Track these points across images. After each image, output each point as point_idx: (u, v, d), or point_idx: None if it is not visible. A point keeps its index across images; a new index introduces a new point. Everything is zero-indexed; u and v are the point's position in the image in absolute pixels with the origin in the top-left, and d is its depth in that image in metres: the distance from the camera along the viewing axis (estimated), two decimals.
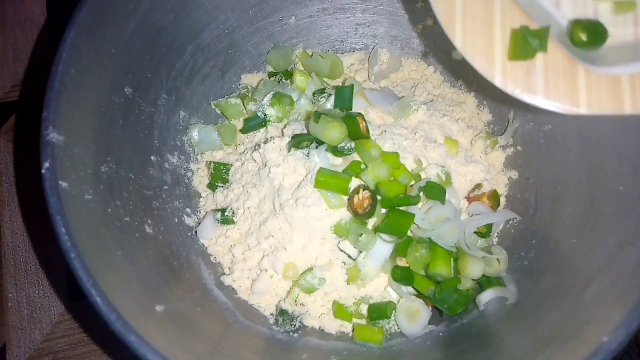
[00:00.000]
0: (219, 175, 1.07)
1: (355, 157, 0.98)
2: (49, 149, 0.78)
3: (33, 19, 1.43)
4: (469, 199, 1.05)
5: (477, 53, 0.74)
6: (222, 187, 1.08)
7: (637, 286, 0.73)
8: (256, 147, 1.05)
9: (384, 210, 0.94)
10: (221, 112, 1.17)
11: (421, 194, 0.97)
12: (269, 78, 1.21)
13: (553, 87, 0.73)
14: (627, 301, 0.72)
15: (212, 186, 1.09)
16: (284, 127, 1.07)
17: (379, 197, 0.93)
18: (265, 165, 1.01)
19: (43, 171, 0.77)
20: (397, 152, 0.98)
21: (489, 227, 1.02)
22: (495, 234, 1.07)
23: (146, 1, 0.95)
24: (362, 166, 0.96)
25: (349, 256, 0.96)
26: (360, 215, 0.93)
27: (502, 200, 1.09)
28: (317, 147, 0.99)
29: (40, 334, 1.10)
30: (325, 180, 0.93)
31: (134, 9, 0.93)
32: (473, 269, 0.94)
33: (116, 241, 0.82)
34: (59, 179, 0.77)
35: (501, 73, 0.73)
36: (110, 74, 0.91)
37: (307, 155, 0.99)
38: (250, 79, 1.22)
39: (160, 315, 0.78)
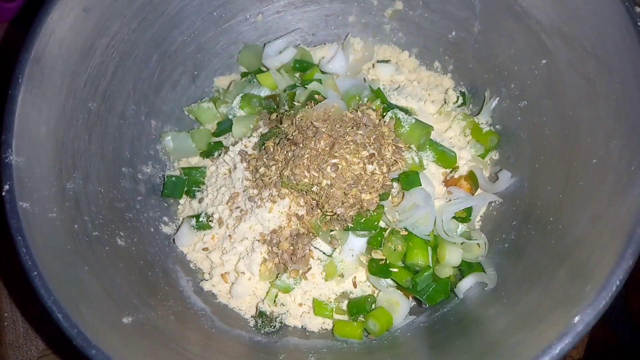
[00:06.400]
0: (194, 179, 1.07)
1: None
2: (8, 171, 0.79)
3: None
4: (447, 183, 1.02)
5: None
6: (199, 192, 1.08)
7: (610, 261, 0.70)
8: (226, 151, 1.05)
9: None
10: (194, 118, 1.17)
11: (394, 186, 0.95)
12: (242, 78, 1.20)
13: None
14: (599, 277, 0.69)
15: (189, 192, 1.09)
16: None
17: None
18: (235, 168, 1.00)
19: (3, 193, 0.78)
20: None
21: (469, 211, 0.99)
22: (479, 218, 1.04)
23: (104, 14, 0.95)
24: None
25: (324, 253, 0.94)
26: (329, 213, 0.92)
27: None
28: None
29: (37, 350, 1.12)
30: None
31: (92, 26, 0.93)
32: (451, 256, 0.92)
33: (83, 257, 0.82)
34: (18, 200, 0.78)
35: None
36: (72, 91, 0.91)
37: None
38: (223, 82, 1.21)
39: (128, 327, 0.78)
